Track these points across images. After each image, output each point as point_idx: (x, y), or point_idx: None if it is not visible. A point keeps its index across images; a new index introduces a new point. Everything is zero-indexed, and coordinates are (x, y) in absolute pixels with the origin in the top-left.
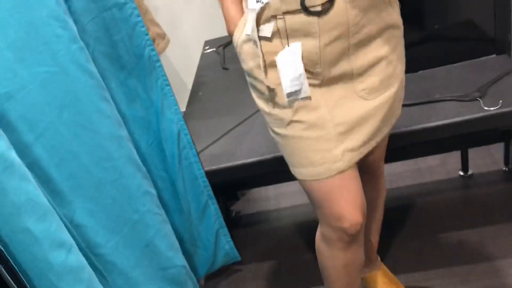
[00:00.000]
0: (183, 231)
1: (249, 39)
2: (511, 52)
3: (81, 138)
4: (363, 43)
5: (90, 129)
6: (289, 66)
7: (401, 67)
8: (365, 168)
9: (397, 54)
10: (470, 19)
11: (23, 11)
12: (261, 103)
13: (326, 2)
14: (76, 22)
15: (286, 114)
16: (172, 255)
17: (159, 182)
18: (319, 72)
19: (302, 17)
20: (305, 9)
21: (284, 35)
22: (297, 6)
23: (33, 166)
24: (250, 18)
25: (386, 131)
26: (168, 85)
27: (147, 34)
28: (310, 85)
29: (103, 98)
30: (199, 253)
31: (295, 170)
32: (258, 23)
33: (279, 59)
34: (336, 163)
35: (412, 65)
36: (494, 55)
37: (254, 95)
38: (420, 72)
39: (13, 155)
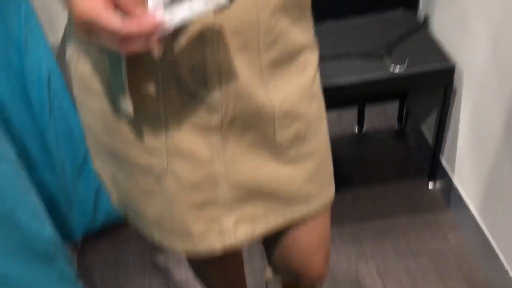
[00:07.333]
0: (55, 191)
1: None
2: (418, 7)
3: None
4: (280, 65)
5: None
6: None
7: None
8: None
9: (316, 88)
10: None
11: None
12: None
13: None
14: None
15: (157, 158)
16: (36, 227)
17: (23, 136)
18: (219, 101)
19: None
20: None
21: None
22: None
23: None
24: None
25: (315, 206)
26: (34, 12)
27: None
28: (205, 128)
29: None
30: (75, 213)
31: (156, 235)
32: None
33: None
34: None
35: (318, 14)
36: (401, 9)
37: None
38: (326, 23)
39: None
